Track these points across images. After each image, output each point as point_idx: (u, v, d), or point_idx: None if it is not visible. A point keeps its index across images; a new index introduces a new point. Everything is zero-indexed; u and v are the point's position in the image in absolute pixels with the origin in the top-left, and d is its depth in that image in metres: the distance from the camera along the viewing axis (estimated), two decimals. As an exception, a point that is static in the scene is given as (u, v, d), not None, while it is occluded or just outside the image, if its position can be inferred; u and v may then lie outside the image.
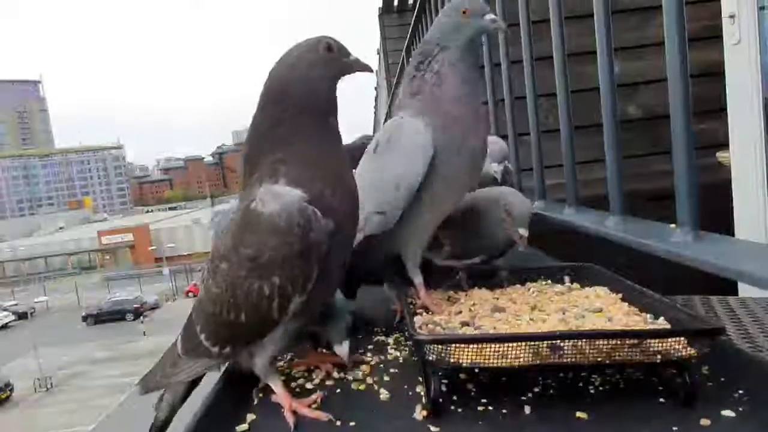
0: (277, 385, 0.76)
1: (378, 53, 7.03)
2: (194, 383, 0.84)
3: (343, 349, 0.82)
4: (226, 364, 0.83)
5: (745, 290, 1.68)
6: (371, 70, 0.81)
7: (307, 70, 0.75)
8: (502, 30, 0.96)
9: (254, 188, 0.74)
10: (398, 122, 0.95)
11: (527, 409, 0.69)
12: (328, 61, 0.76)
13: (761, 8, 1.88)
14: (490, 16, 0.93)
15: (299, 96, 0.75)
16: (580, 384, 0.75)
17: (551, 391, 0.74)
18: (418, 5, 2.96)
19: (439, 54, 0.93)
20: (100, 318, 29.57)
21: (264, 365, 0.77)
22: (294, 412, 0.72)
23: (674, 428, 0.63)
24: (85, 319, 30.01)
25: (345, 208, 0.75)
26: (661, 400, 0.70)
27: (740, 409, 0.66)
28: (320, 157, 0.74)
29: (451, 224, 1.02)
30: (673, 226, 0.87)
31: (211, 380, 0.82)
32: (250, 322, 0.72)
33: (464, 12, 0.93)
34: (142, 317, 28.31)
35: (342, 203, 0.74)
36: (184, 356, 0.81)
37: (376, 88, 10.81)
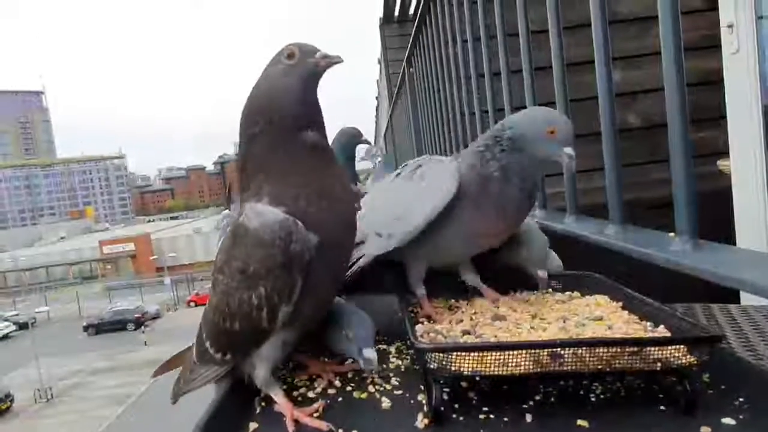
0: (278, 395, 0.77)
1: (379, 63, 7.07)
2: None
3: (370, 354, 0.80)
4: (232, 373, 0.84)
5: (747, 298, 1.68)
6: (340, 61, 0.76)
7: (271, 82, 0.75)
8: (572, 171, 0.89)
9: (243, 207, 0.77)
10: (434, 159, 0.97)
11: (528, 417, 0.69)
12: (290, 69, 0.74)
13: (759, 18, 1.89)
14: (569, 151, 0.86)
15: (268, 112, 0.74)
16: (581, 392, 0.75)
17: (552, 399, 0.74)
18: (418, 16, 2.99)
19: (509, 153, 0.89)
20: (102, 328, 29.52)
21: (264, 377, 0.78)
22: (296, 421, 0.72)
23: (675, 436, 0.63)
24: (86, 329, 29.95)
25: (332, 220, 0.75)
26: (662, 407, 0.70)
27: (741, 417, 0.67)
28: (300, 172, 0.74)
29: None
30: (672, 234, 0.87)
31: (213, 387, 0.83)
32: (244, 330, 0.76)
33: (551, 132, 0.86)
34: (143, 327, 28.24)
35: (329, 216, 0.75)
36: (198, 362, 0.83)
37: (377, 98, 10.86)
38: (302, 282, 0.73)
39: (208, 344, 0.80)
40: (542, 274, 0.95)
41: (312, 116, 0.76)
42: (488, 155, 0.90)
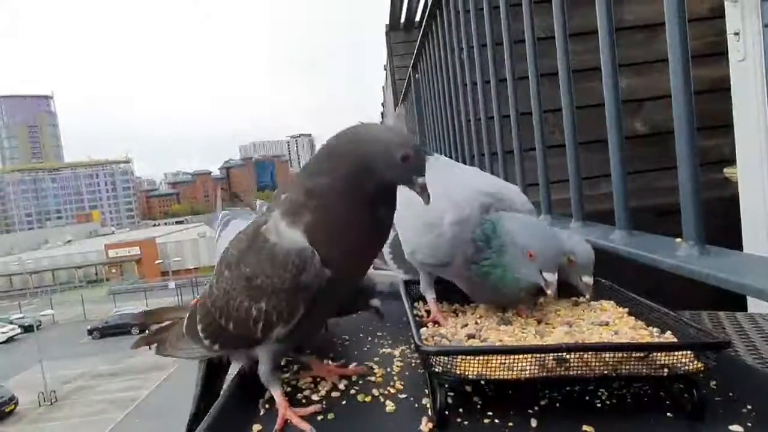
0: (276, 392, 0.77)
1: (385, 69, 7.10)
2: (212, 375, 0.92)
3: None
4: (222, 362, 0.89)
5: (753, 306, 1.67)
6: (427, 202, 0.74)
7: (375, 163, 0.70)
8: (551, 295, 0.84)
9: (272, 213, 0.75)
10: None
11: (533, 422, 0.69)
12: (398, 169, 0.70)
13: (766, 25, 1.89)
14: (549, 277, 0.83)
15: (366, 165, 0.70)
16: (587, 398, 0.74)
17: (558, 405, 0.73)
18: (424, 23, 3.00)
19: (488, 269, 0.88)
20: (106, 332, 29.54)
21: (266, 372, 0.79)
22: (286, 420, 0.74)
23: (682, 442, 0.63)
24: (90, 332, 30.01)
25: (353, 260, 0.75)
26: (669, 414, 0.69)
27: (749, 424, 0.66)
28: (345, 223, 0.71)
29: None
30: (678, 240, 0.87)
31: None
32: (237, 332, 0.77)
33: (530, 255, 0.84)
34: (147, 331, 28.19)
35: (350, 256, 0.73)
36: (186, 336, 0.85)
37: (382, 104, 10.89)
38: (304, 309, 0.73)
39: (199, 328, 0.82)
40: (587, 280, 0.93)
41: (388, 202, 0.74)
42: (474, 258, 0.89)
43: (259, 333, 0.75)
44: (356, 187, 0.70)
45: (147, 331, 0.98)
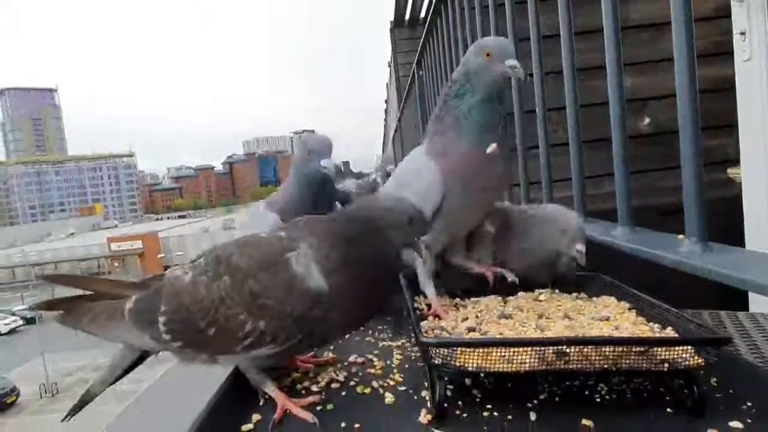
0: (269, 388, 0.77)
1: (389, 66, 7.09)
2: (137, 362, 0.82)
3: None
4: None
5: (755, 306, 1.67)
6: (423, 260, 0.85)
7: (388, 227, 0.77)
8: (520, 77, 0.96)
9: (303, 236, 0.76)
10: (415, 164, 1.02)
11: (532, 415, 0.69)
12: (405, 230, 0.78)
13: (772, 26, 1.88)
14: (510, 62, 0.93)
15: (366, 236, 0.76)
16: (587, 392, 0.75)
17: (557, 399, 0.73)
18: (428, 20, 3.00)
19: (461, 97, 0.96)
20: (107, 325, 29.62)
21: (253, 376, 0.78)
22: (286, 411, 0.74)
23: (681, 437, 0.63)
24: (92, 325, 30.11)
25: (350, 322, 0.79)
26: (669, 410, 0.69)
27: (748, 420, 0.66)
28: (358, 294, 0.75)
29: (502, 236, 1.05)
30: (681, 237, 0.87)
31: (217, 380, 0.83)
32: (215, 340, 0.74)
33: (487, 54, 0.94)
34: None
35: (362, 303, 0.77)
36: (129, 321, 0.77)
37: (386, 101, 10.88)
38: (299, 340, 0.74)
39: (162, 320, 0.75)
40: (581, 248, 0.94)
41: (395, 261, 0.80)
42: (443, 112, 0.98)
43: (239, 347, 0.73)
44: (371, 251, 0.76)
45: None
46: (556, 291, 0.99)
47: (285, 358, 0.81)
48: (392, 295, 0.87)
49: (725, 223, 1.40)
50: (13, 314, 33.35)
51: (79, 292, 0.82)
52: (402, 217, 0.79)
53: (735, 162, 2.09)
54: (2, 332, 30.97)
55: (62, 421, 0.90)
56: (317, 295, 0.72)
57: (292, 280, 0.72)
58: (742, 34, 1.93)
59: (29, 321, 31.36)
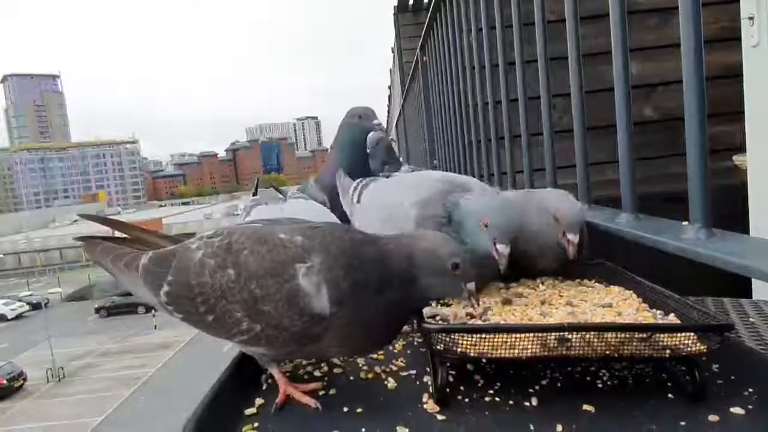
0: (273, 371, 0.78)
1: (393, 51, 7.03)
2: None
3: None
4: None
5: (758, 293, 1.67)
6: (474, 306, 0.76)
7: (425, 273, 0.72)
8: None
9: (317, 262, 0.70)
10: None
11: (534, 401, 0.69)
12: (447, 276, 0.72)
13: (782, 10, 1.85)
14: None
15: (404, 274, 0.71)
16: (588, 378, 0.75)
17: (559, 384, 0.74)
18: (432, 4, 2.97)
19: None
20: (113, 310, 29.89)
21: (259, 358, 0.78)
22: (288, 396, 0.74)
23: (681, 423, 0.63)
24: (97, 311, 30.37)
25: (356, 346, 0.76)
26: (670, 396, 0.70)
27: (750, 407, 0.66)
28: (372, 317, 0.71)
29: None
30: (685, 223, 0.87)
31: (220, 364, 0.83)
32: (211, 325, 0.73)
33: (485, 225, 0.87)
34: (153, 311, 28.57)
35: (356, 342, 0.74)
36: (140, 280, 0.77)
37: (390, 87, 10.81)
38: (293, 350, 0.73)
39: (164, 291, 0.75)
40: (572, 237, 0.91)
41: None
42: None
43: (237, 339, 0.73)
44: (394, 297, 0.71)
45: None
46: (559, 278, 0.99)
47: (283, 357, 0.80)
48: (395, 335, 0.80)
49: (730, 210, 1.40)
50: (20, 300, 33.63)
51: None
52: (446, 264, 0.72)
53: (741, 149, 2.07)
54: (9, 317, 31.26)
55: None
56: (317, 316, 0.69)
57: (296, 294, 0.69)
58: (751, 19, 1.91)
59: (35, 306, 31.65)
